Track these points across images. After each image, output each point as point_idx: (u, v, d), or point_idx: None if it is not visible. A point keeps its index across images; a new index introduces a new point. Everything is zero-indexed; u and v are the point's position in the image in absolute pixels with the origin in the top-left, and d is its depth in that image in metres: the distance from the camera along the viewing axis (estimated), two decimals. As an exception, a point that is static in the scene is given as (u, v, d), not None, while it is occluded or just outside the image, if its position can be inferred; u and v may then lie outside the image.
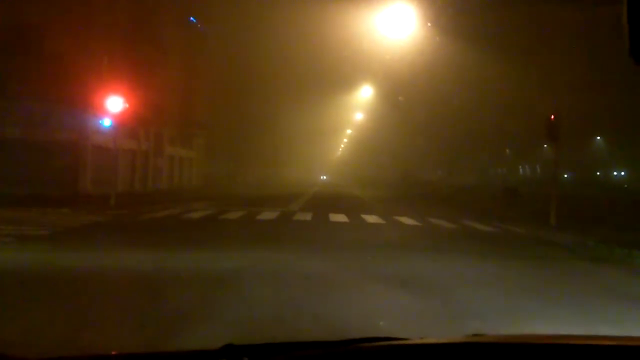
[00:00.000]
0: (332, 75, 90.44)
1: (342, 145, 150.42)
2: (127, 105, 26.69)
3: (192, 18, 58.40)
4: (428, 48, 42.17)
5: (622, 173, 64.66)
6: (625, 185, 54.26)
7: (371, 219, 23.56)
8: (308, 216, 24.15)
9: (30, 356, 1.58)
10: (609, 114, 36.49)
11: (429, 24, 39.07)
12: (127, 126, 32.63)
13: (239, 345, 1.62)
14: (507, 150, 55.15)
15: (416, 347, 1.79)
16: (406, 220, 23.06)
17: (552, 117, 22.35)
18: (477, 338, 2.13)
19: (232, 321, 6.96)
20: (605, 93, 34.62)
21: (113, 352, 1.76)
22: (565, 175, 50.01)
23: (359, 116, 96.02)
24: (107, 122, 27.09)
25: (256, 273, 10.34)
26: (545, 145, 29.80)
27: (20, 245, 13.41)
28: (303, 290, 8.96)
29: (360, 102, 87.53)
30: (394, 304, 8.24)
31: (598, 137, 44.52)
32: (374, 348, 1.75)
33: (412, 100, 54.54)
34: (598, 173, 64.04)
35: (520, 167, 63.69)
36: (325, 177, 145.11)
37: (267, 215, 23.73)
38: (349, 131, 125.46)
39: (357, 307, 7.98)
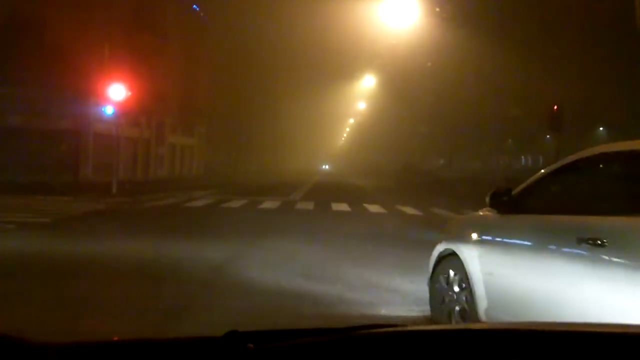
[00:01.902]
0: (335, 64, 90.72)
1: (345, 135, 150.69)
2: (129, 93, 26.66)
3: (195, 6, 58.34)
4: (431, 36, 42.12)
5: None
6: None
7: (373, 208, 23.57)
8: (310, 205, 24.16)
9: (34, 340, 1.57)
10: (612, 104, 36.42)
11: (437, 9, 38.96)
12: (129, 114, 32.59)
13: (243, 332, 1.61)
14: (510, 140, 55.12)
15: (418, 334, 1.79)
16: (408, 210, 23.07)
17: (555, 107, 22.33)
18: (481, 325, 2.13)
19: (234, 308, 6.97)
20: (608, 84, 34.57)
21: (115, 338, 1.74)
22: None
23: (361, 106, 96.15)
24: (109, 110, 27.08)
25: (257, 261, 10.36)
26: (547, 136, 29.81)
27: (22, 233, 13.44)
28: (304, 278, 8.96)
29: (363, 92, 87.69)
30: (395, 293, 8.23)
31: (601, 128, 44.43)
32: (378, 334, 1.74)
33: (415, 89, 54.53)
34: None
35: (522, 157, 63.65)
36: (326, 167, 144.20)
37: (269, 204, 23.74)
38: (351, 120, 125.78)
39: (357, 295, 7.98)
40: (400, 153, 72.76)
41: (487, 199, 5.71)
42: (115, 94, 26.15)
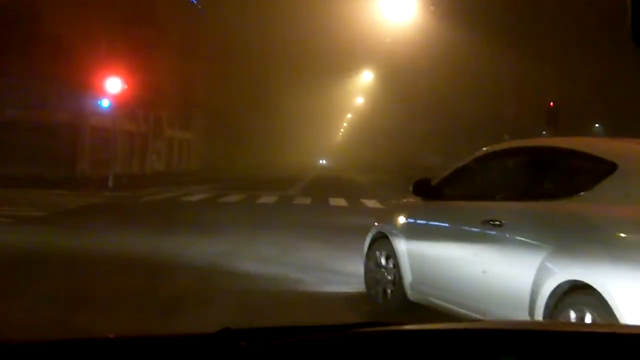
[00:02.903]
0: (334, 59, 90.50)
1: (342, 130, 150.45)
2: (125, 87, 26.65)
3: (192, -1, 58.26)
4: (429, 32, 42.06)
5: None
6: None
7: (371, 203, 23.53)
8: (307, 200, 24.16)
9: (22, 339, 1.56)
10: (607, 102, 36.45)
11: (432, 8, 38.94)
12: (126, 108, 32.57)
13: (236, 329, 1.60)
14: (506, 137, 55.19)
15: (416, 333, 1.78)
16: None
17: (551, 103, 22.36)
18: (479, 324, 2.12)
19: (229, 304, 6.96)
20: (604, 80, 34.57)
21: (111, 335, 1.74)
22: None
23: (359, 101, 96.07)
24: (105, 103, 27.06)
25: (253, 256, 10.35)
26: (544, 132, 29.82)
27: (19, 227, 13.43)
28: (301, 273, 8.97)
29: (361, 87, 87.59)
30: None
31: (597, 125, 44.48)
32: (374, 333, 1.73)
33: (412, 85, 54.43)
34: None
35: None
36: (324, 162, 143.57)
37: (267, 199, 23.72)
38: (349, 115, 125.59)
39: (355, 290, 7.98)
40: (397, 149, 72.70)
41: (410, 188, 6.66)
42: (112, 87, 26.13)
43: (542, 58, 36.29)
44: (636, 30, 1.82)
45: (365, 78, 79.53)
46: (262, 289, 7.93)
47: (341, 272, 9.05)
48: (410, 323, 1.89)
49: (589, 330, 2.00)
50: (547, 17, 37.48)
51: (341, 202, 23.73)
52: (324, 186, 36.55)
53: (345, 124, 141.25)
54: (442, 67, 43.85)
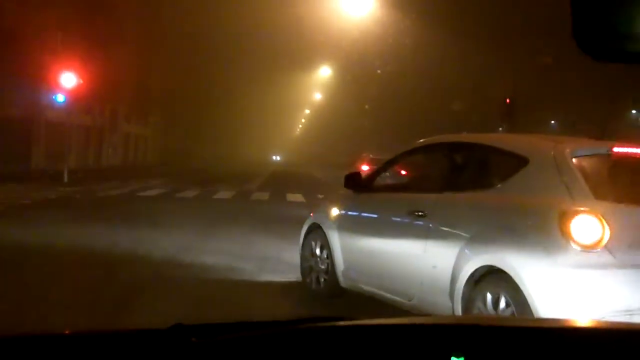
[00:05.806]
0: (293, 55, 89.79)
1: (300, 126, 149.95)
2: (81, 81, 26.29)
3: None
4: (385, 27, 42.16)
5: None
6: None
7: (327, 199, 23.52)
8: (265, 196, 24.11)
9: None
10: (562, 98, 37.01)
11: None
12: (82, 102, 32.04)
13: (188, 325, 1.62)
14: (464, 133, 55.57)
15: (367, 329, 1.79)
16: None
17: (507, 100, 22.65)
18: (429, 319, 2.16)
19: (186, 298, 6.98)
20: (557, 78, 35.07)
21: (66, 331, 1.75)
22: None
23: (317, 96, 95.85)
24: (60, 98, 26.68)
25: (210, 251, 10.32)
26: (500, 129, 30.16)
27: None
28: (257, 268, 8.99)
29: (319, 82, 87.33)
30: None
31: (552, 122, 45.08)
32: (322, 328, 1.75)
33: (366, 82, 54.42)
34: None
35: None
36: (278, 158, 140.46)
37: (224, 194, 23.61)
38: (307, 111, 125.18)
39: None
40: (353, 145, 72.90)
41: (343, 181, 7.02)
42: (67, 81, 25.76)
43: (498, 52, 36.64)
44: (577, 30, 1.86)
45: (324, 73, 79.31)
46: (218, 281, 7.98)
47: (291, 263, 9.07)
48: (361, 318, 1.91)
49: (537, 326, 2.04)
50: (504, 15, 37.85)
51: (298, 197, 23.73)
52: (282, 182, 36.46)
53: (303, 120, 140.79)
54: (394, 63, 43.97)
